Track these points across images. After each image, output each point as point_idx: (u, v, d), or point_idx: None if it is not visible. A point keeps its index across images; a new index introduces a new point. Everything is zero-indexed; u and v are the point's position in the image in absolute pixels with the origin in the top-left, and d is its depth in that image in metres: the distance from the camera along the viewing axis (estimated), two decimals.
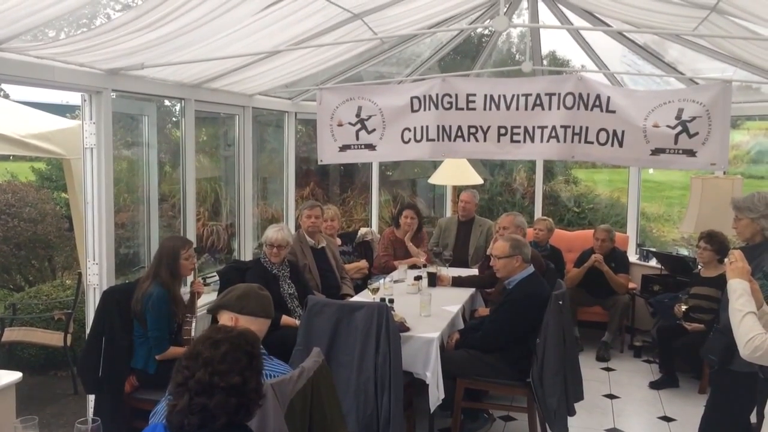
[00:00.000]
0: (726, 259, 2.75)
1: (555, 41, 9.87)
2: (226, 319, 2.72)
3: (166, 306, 3.84)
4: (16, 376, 3.33)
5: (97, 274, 4.23)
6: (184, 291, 4.38)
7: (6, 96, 12.61)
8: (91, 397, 4.16)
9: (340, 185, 11.00)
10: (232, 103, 5.68)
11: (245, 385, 1.89)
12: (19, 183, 8.52)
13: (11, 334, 5.52)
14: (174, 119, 8.58)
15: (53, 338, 5.50)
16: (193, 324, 4.05)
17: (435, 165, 7.39)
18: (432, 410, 4.06)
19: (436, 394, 4.02)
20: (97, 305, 4.04)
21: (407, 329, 4.15)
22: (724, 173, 6.03)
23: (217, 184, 9.12)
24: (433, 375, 4.02)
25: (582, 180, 11.84)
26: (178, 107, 5.18)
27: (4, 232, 6.97)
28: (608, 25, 5.62)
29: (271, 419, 2.34)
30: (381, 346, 3.73)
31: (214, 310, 2.82)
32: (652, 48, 6.06)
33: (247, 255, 6.01)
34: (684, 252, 7.17)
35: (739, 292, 2.57)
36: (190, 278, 4.61)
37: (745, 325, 2.47)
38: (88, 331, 4.09)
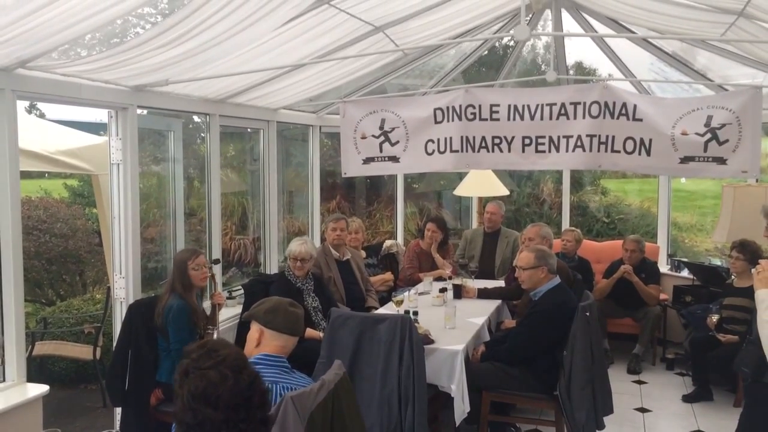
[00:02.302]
0: (754, 269, 2.67)
1: (581, 51, 9.80)
2: (254, 329, 2.72)
3: (187, 318, 3.87)
4: (43, 389, 3.37)
5: (123, 287, 4.28)
6: (206, 304, 4.41)
7: (41, 115, 12.93)
8: (119, 410, 4.19)
9: (366, 198, 11.02)
10: (256, 117, 5.74)
11: (257, 412, 1.89)
12: (50, 199, 8.69)
13: (42, 348, 5.60)
14: (203, 135, 8.70)
15: (83, 352, 5.56)
16: (215, 336, 4.06)
17: (461, 176, 7.35)
18: (458, 424, 4.01)
19: (461, 408, 3.96)
20: (123, 319, 4.09)
21: (431, 341, 4.11)
22: (757, 181, 5.89)
23: (244, 199, 9.20)
24: (458, 388, 3.97)
25: (612, 190, 11.70)
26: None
27: (36, 248, 7.10)
28: (632, 32, 5.56)
29: None
30: (404, 358, 3.70)
31: (247, 319, 2.83)
32: (681, 56, 5.97)
33: (272, 268, 6.03)
34: (717, 262, 7.00)
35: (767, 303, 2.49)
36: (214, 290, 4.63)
37: None
38: (114, 344, 4.13)
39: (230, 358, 1.91)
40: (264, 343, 2.65)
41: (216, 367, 1.88)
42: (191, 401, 1.85)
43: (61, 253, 7.33)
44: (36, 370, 5.67)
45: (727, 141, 4.54)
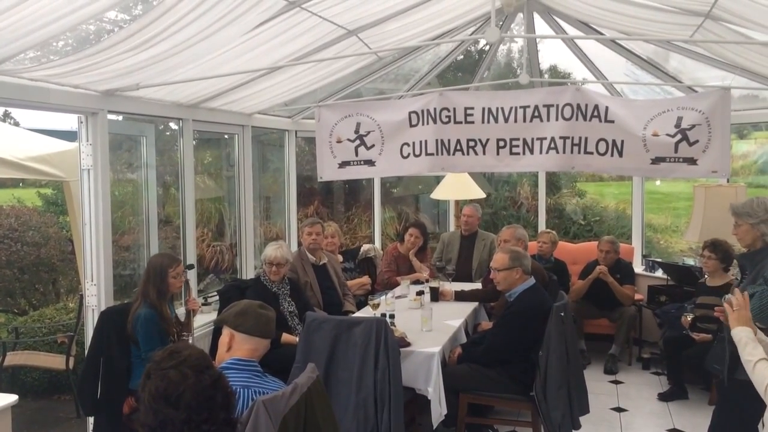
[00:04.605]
0: (726, 304, 2.72)
1: (556, 55, 9.91)
2: (225, 334, 2.69)
3: (156, 326, 3.80)
4: (11, 399, 3.30)
5: (95, 295, 4.22)
6: (181, 311, 4.36)
7: (16, 124, 12.73)
8: (92, 420, 4.13)
9: (344, 203, 11.01)
10: (230, 122, 5.70)
11: (220, 412, 1.87)
12: (22, 207, 8.55)
13: (14, 358, 5.49)
14: None
15: (55, 361, 5.47)
16: (190, 342, 4.01)
17: (438, 180, 7.38)
18: (435, 426, 4.00)
19: (438, 410, 3.96)
20: (94, 326, 4.03)
21: (407, 344, 4.10)
22: (728, 181, 5.97)
23: (221, 205, 9.14)
24: (434, 390, 3.96)
25: (590, 193, 11.80)
26: None
27: (8, 256, 6.98)
28: (601, 34, 5.62)
29: None
30: (380, 361, 3.69)
31: (218, 324, 2.79)
32: (654, 60, 6.04)
33: (248, 274, 5.99)
34: (690, 262, 7.08)
35: (744, 341, 2.58)
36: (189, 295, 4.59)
37: (759, 372, 2.48)
38: (86, 352, 4.07)
39: (191, 359, 1.90)
40: (235, 347, 2.62)
41: (177, 366, 1.86)
42: (152, 402, 1.84)
43: (33, 262, 7.20)
44: (8, 380, 5.57)
45: (697, 141, 4.60)
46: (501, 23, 5.62)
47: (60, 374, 5.54)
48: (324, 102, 5.77)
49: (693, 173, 4.77)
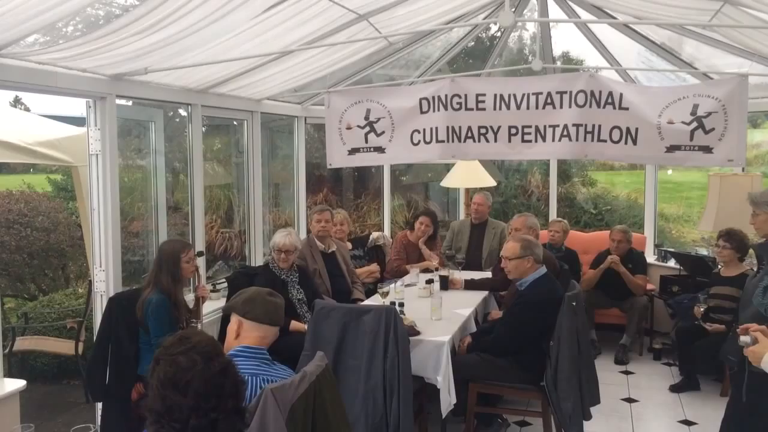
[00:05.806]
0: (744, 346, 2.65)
1: (568, 41, 9.77)
2: (233, 321, 2.67)
3: (167, 312, 3.78)
4: (20, 384, 3.30)
5: (103, 280, 4.20)
6: (190, 297, 4.34)
7: (27, 109, 12.74)
8: (101, 405, 4.12)
9: (353, 191, 10.97)
10: (240, 108, 5.66)
11: (229, 400, 1.85)
12: (31, 192, 8.57)
13: (23, 343, 5.51)
14: None
15: (65, 347, 5.49)
16: (199, 329, 3.99)
17: (448, 168, 7.32)
18: (444, 416, 3.97)
19: (447, 399, 3.93)
20: (103, 312, 4.01)
21: (417, 333, 4.07)
22: (743, 170, 5.88)
23: (230, 192, 9.13)
24: (444, 379, 3.93)
25: (600, 182, 11.71)
26: None
27: (17, 242, 6.99)
28: (614, 18, 5.52)
29: (271, 425, 2.28)
30: (389, 349, 3.65)
31: (226, 311, 2.77)
32: (668, 46, 5.94)
33: (257, 261, 5.97)
34: (703, 252, 7.01)
35: None
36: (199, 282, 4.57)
37: None
38: (95, 338, 4.06)
39: (201, 345, 1.87)
40: (243, 335, 2.59)
41: (186, 353, 1.84)
42: (160, 387, 1.82)
43: (42, 247, 7.22)
44: (17, 365, 5.59)
45: (713, 130, 4.52)
46: (514, 8, 5.54)
47: (69, 359, 5.56)
48: (334, 88, 5.72)
49: (708, 162, 4.70)
